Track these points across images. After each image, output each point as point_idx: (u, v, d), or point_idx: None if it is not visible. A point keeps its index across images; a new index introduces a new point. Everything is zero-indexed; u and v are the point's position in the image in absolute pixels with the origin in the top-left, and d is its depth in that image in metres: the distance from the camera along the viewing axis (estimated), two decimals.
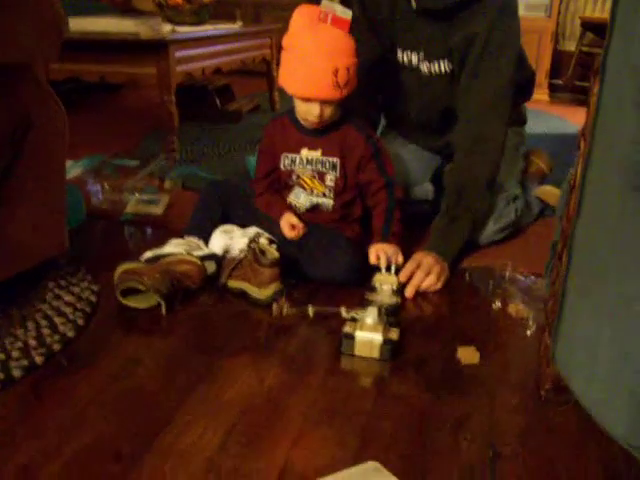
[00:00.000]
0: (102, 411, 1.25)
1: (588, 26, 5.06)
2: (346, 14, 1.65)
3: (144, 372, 1.38)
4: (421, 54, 1.96)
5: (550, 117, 4.35)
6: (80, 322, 1.53)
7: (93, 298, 1.64)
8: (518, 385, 1.39)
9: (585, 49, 5.19)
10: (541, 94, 5.03)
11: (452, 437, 1.21)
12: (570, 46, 5.43)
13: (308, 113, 1.73)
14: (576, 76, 5.28)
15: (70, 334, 1.48)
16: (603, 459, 1.18)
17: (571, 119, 4.28)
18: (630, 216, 1.01)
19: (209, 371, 1.37)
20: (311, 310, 1.58)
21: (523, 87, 2.15)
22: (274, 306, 1.60)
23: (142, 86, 3.32)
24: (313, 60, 1.64)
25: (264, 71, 4.17)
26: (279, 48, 1.78)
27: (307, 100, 1.70)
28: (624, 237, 1.04)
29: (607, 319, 1.07)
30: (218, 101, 3.78)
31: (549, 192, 2.28)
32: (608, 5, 4.98)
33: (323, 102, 1.70)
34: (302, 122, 1.79)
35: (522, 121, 2.32)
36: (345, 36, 1.66)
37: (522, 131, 2.31)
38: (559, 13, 5.25)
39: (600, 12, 5.15)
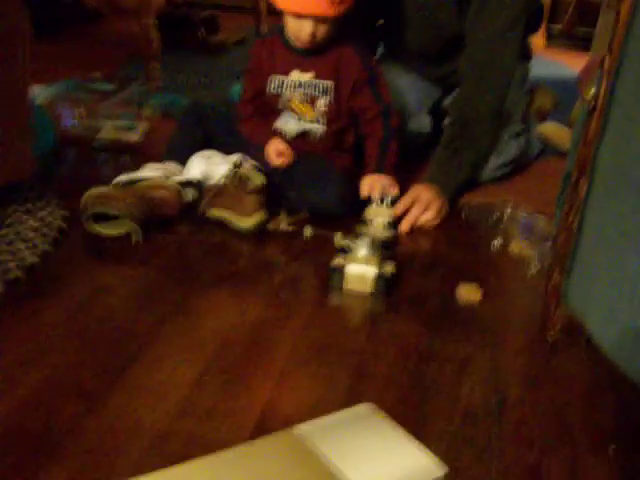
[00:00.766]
0: (66, 342, 1.13)
1: None
2: None
3: (114, 302, 1.26)
4: None
5: (548, 62, 4.21)
6: (46, 247, 1.40)
7: (62, 224, 1.50)
8: (523, 326, 1.29)
9: None
10: (538, 39, 4.87)
11: (454, 379, 1.10)
12: None
13: (300, 31, 1.58)
14: (574, 22, 5.12)
15: (34, 260, 1.34)
16: (617, 405, 1.09)
17: (569, 65, 4.14)
18: None
19: (185, 303, 1.25)
20: (308, 230, 1.48)
21: (531, 19, 2.01)
22: (272, 221, 1.52)
23: (122, 12, 3.12)
24: None
25: (252, 3, 3.98)
26: None
27: (299, 16, 1.55)
28: None
29: (636, 249, 0.96)
30: (203, 32, 3.60)
31: (552, 130, 2.16)
32: None
33: (316, 19, 1.55)
34: (293, 42, 1.64)
35: (528, 56, 2.18)
36: None
37: (527, 66, 2.17)
38: None
39: None
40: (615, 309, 1.03)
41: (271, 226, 1.52)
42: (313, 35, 1.58)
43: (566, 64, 4.27)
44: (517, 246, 1.56)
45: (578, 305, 1.16)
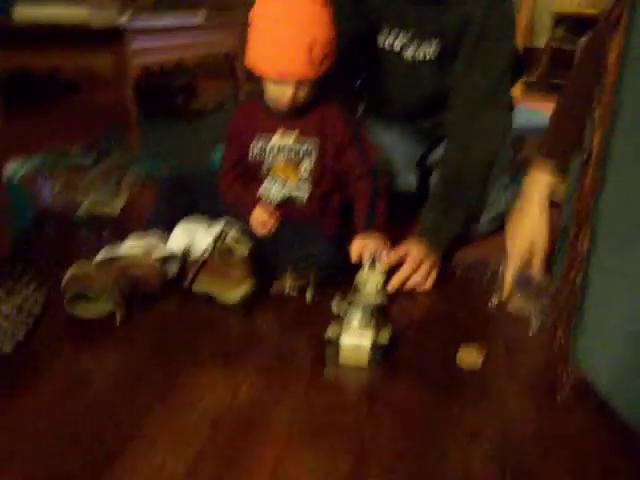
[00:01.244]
0: (45, 435, 1.05)
1: (561, 18, 4.99)
2: None
3: (97, 388, 1.18)
4: (410, 34, 1.82)
5: (527, 111, 4.23)
6: (22, 331, 1.33)
7: (39, 304, 1.43)
8: (530, 388, 1.23)
9: (555, 45, 5.10)
10: (515, 88, 4.91)
11: (462, 453, 1.03)
12: (540, 42, 5.32)
13: (280, 95, 1.54)
14: (548, 73, 5.18)
15: (7, 347, 1.27)
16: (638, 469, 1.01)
17: (548, 112, 4.16)
18: None
19: (172, 385, 1.18)
20: (309, 294, 1.48)
21: (514, 69, 2.01)
22: (275, 283, 1.50)
23: (98, 82, 3.12)
24: (284, 32, 1.47)
25: (229, 70, 3.99)
26: (245, 43, 1.58)
27: (278, 80, 1.52)
28: None
29: None
30: (181, 99, 3.61)
31: None
32: None
33: (297, 82, 1.52)
34: (273, 106, 1.60)
35: (510, 107, 2.17)
36: (321, 6, 1.49)
37: (511, 116, 2.16)
38: (529, 7, 5.14)
39: (570, 5, 5.07)
40: (627, 368, 0.98)
41: (276, 287, 1.50)
42: (294, 99, 1.54)
43: (546, 112, 4.28)
44: (516, 302, 1.51)
45: (587, 363, 1.10)
